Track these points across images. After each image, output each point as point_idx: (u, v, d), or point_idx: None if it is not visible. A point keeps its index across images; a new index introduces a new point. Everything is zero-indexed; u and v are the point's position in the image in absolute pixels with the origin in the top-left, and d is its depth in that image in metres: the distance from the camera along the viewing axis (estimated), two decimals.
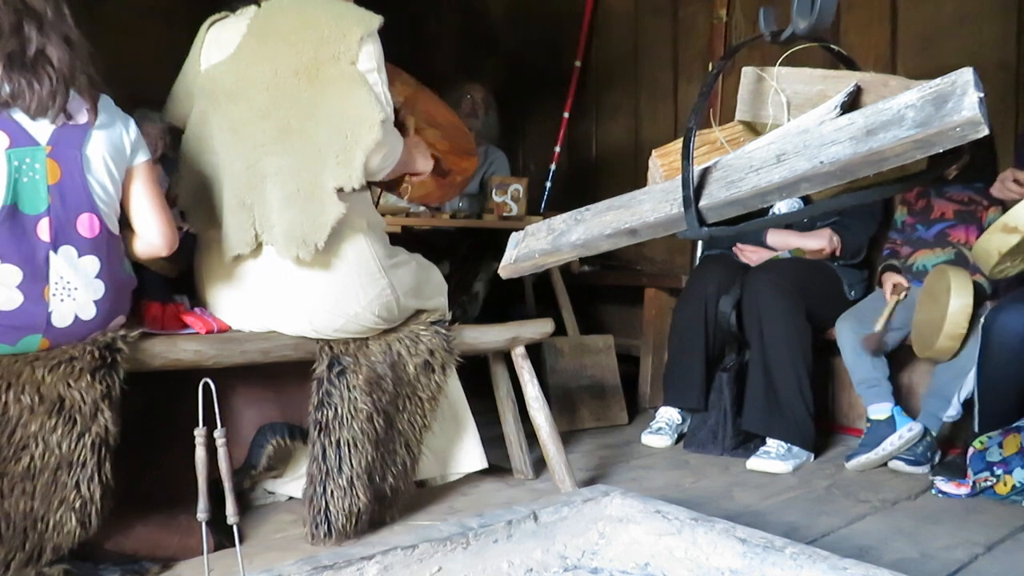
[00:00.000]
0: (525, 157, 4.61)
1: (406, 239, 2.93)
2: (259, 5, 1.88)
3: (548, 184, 4.20)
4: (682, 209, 1.02)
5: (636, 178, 3.84)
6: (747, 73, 1.17)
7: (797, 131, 0.98)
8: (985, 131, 0.82)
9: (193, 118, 1.89)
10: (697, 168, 1.04)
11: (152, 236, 1.68)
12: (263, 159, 1.78)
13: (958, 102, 0.83)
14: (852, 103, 1.04)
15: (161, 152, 2.01)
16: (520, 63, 4.61)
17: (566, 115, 4.22)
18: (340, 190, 1.74)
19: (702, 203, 1.03)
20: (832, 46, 1.19)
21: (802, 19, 1.04)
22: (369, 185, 2.00)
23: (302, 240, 1.73)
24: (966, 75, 0.85)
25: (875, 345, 2.49)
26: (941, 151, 0.86)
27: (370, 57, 1.80)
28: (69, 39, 1.50)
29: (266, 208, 1.78)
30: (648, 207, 1.08)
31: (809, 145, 0.95)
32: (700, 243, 3.34)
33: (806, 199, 2.56)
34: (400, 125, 2.09)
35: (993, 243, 1.87)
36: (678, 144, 1.13)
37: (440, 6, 4.88)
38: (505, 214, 3.09)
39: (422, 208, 3.07)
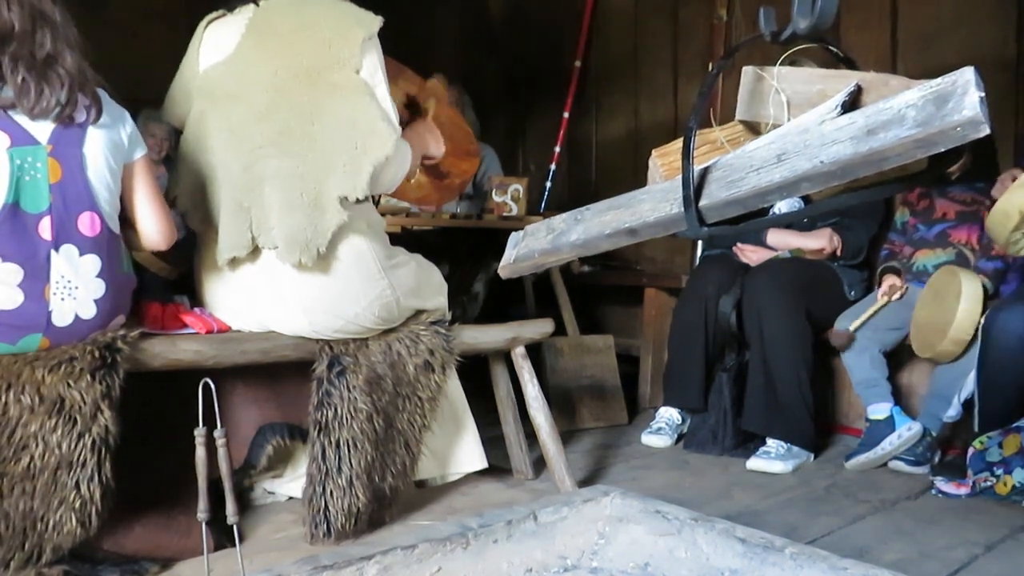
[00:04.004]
0: (525, 157, 4.62)
1: (406, 239, 2.93)
2: (257, 4, 1.87)
3: (548, 184, 4.20)
4: (682, 209, 1.02)
5: (636, 178, 3.84)
6: (747, 73, 1.16)
7: (798, 131, 0.98)
8: (986, 130, 0.81)
9: (191, 119, 1.89)
10: (697, 168, 1.04)
11: (149, 231, 1.69)
12: (261, 161, 1.77)
13: (959, 101, 0.83)
14: (852, 103, 1.04)
15: (166, 153, 2.01)
16: (520, 63, 4.61)
17: (566, 115, 4.23)
18: (344, 199, 1.74)
19: (702, 203, 1.03)
20: (832, 46, 1.19)
21: (803, 19, 1.03)
22: None
23: (305, 245, 1.73)
24: (967, 74, 0.84)
25: (844, 342, 2.50)
26: (942, 151, 0.85)
27: (374, 67, 1.80)
28: (75, 42, 1.51)
29: (264, 211, 1.77)
30: (648, 207, 1.08)
31: (810, 145, 0.95)
32: (700, 243, 3.34)
33: (806, 199, 2.56)
34: (416, 107, 2.09)
35: (1014, 201, 1.82)
36: (678, 144, 1.13)
37: (440, 6, 4.88)
38: (505, 214, 3.09)
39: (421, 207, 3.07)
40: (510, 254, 1.29)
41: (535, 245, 1.23)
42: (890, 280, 2.61)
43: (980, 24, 2.78)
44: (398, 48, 2.08)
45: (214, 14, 1.92)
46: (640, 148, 3.97)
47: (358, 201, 1.78)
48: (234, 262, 1.82)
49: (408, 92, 2.17)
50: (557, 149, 4.24)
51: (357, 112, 1.75)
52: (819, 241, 2.75)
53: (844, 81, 1.07)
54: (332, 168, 1.74)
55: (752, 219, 1.23)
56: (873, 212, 2.84)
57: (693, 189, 1.01)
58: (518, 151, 4.65)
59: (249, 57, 1.82)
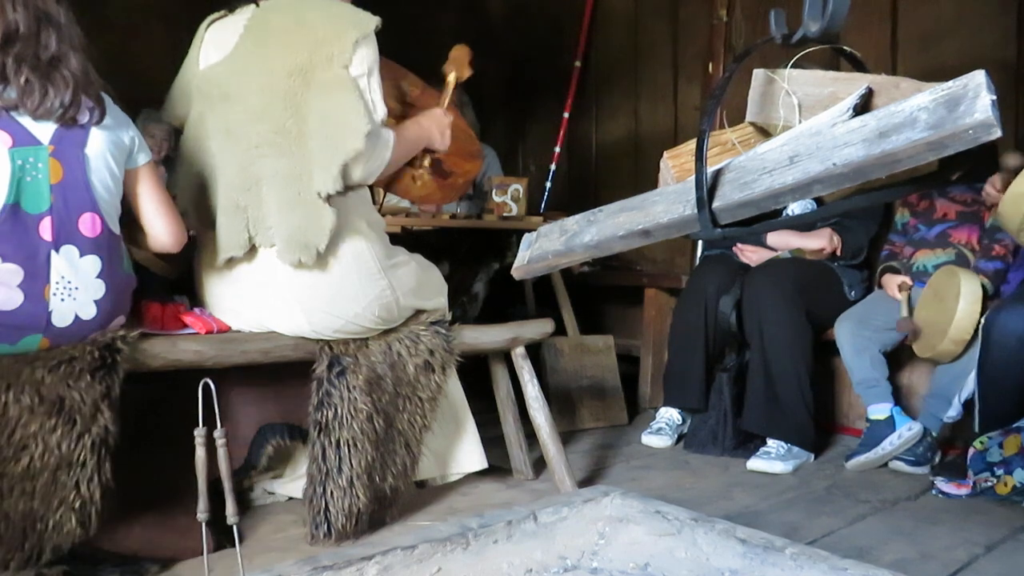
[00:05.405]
0: (525, 157, 4.61)
1: (406, 239, 2.92)
2: (257, 4, 1.87)
3: (548, 184, 4.20)
4: (695, 210, 1.02)
5: (636, 178, 3.85)
6: (757, 75, 1.16)
7: (810, 133, 0.98)
8: (998, 133, 0.82)
9: (191, 119, 1.89)
10: (710, 169, 1.04)
11: (161, 235, 1.71)
12: (257, 161, 1.77)
13: (971, 104, 0.83)
14: (864, 105, 1.04)
15: (166, 153, 2.01)
16: (520, 63, 4.60)
17: (566, 115, 4.23)
18: (322, 194, 1.73)
19: (715, 204, 1.03)
20: (844, 48, 1.19)
21: (814, 21, 1.04)
22: (371, 187, 2.00)
23: (304, 245, 1.72)
24: (978, 77, 0.85)
25: (910, 327, 2.44)
26: (952, 153, 0.86)
27: (363, 61, 1.78)
28: (79, 44, 1.51)
29: (262, 211, 1.76)
30: (661, 208, 1.08)
31: (822, 147, 0.95)
32: (700, 243, 3.34)
33: (819, 200, 2.56)
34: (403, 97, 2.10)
35: None
36: (689, 145, 1.13)
37: (440, 6, 4.88)
38: (505, 214, 3.09)
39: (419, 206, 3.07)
40: (523, 255, 1.29)
41: (548, 246, 1.23)
42: (897, 279, 2.60)
43: (980, 24, 2.78)
44: (398, 48, 2.07)
45: (215, 14, 1.92)
46: (640, 148, 3.97)
47: (330, 197, 1.74)
48: (233, 262, 1.82)
49: (410, 96, 2.17)
50: (557, 149, 4.23)
51: (335, 107, 1.74)
52: (819, 241, 2.75)
53: (855, 84, 1.07)
54: (315, 165, 1.74)
55: (765, 220, 1.23)
56: (873, 212, 2.84)
57: (706, 191, 1.01)
58: (518, 151, 4.65)
59: (247, 57, 1.82)
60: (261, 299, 1.83)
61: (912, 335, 2.45)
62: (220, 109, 1.82)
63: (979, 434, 2.23)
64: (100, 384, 1.52)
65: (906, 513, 2.09)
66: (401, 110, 2.13)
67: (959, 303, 2.28)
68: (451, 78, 2.16)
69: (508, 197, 3.08)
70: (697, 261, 3.32)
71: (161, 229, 1.70)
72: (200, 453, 1.45)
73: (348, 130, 1.72)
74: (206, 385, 1.43)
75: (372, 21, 1.80)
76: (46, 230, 1.46)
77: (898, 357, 2.68)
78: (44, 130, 1.47)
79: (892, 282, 2.61)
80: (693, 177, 1.04)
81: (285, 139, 1.76)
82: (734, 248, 2.92)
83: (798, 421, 2.54)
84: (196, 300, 1.95)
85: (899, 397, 2.61)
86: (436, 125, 2.06)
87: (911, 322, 2.45)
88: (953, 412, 2.43)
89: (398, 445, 1.94)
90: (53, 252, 1.47)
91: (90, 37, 1.55)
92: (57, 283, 1.48)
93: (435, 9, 4.78)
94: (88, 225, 1.50)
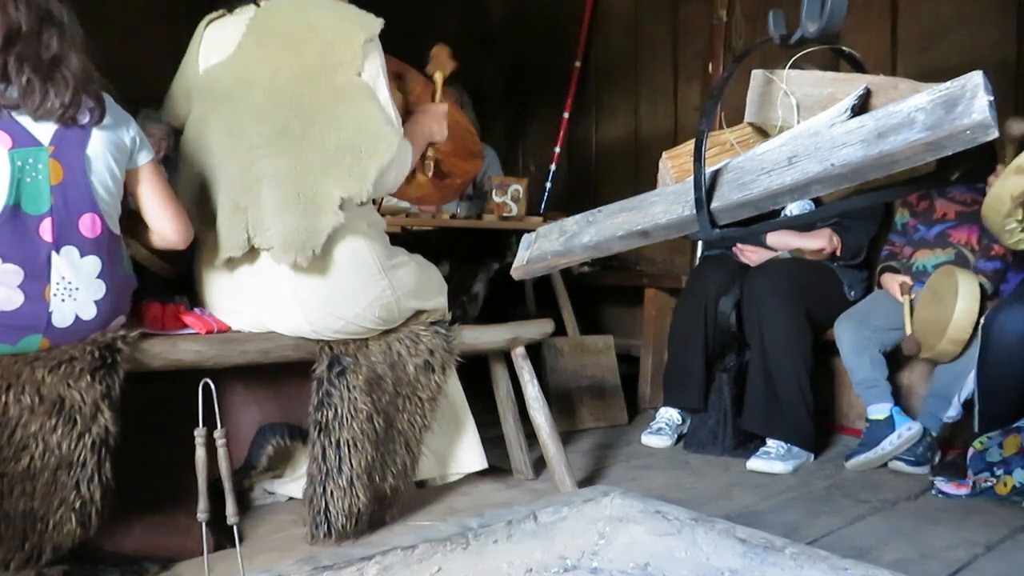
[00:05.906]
0: (525, 157, 4.62)
1: (406, 239, 2.93)
2: (258, 4, 1.87)
3: (548, 184, 4.20)
4: (694, 211, 1.02)
5: (636, 178, 3.86)
6: (756, 75, 1.17)
7: (808, 133, 0.98)
8: (995, 134, 0.82)
9: (192, 120, 1.89)
10: (708, 170, 1.04)
11: (167, 232, 1.71)
12: (258, 162, 1.76)
13: (968, 105, 0.83)
14: (862, 106, 1.04)
15: (164, 153, 2.02)
16: (520, 63, 4.61)
17: (566, 115, 4.23)
18: (346, 201, 1.74)
19: (714, 205, 1.03)
20: (843, 49, 1.19)
21: (812, 22, 1.04)
22: None
23: (300, 245, 1.72)
24: (976, 78, 0.85)
25: (915, 345, 2.44)
26: (951, 153, 0.86)
27: (376, 70, 1.81)
28: (80, 43, 1.51)
29: (261, 212, 1.76)
30: (660, 209, 1.08)
31: (820, 147, 0.95)
32: (700, 243, 3.34)
33: (817, 200, 2.57)
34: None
35: (1007, 188, 1.80)
36: (688, 146, 1.13)
37: (440, 7, 4.89)
38: (505, 214, 3.09)
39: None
40: (523, 255, 1.29)
41: (548, 247, 1.23)
42: (898, 279, 2.60)
43: (980, 24, 2.78)
44: (398, 49, 2.07)
45: (214, 14, 1.92)
46: (640, 148, 3.98)
47: (361, 204, 1.78)
48: (233, 263, 1.82)
49: (413, 93, 2.17)
50: (557, 149, 4.24)
51: (362, 115, 1.76)
52: (819, 241, 2.75)
53: (853, 84, 1.07)
54: (333, 170, 1.74)
55: (764, 220, 1.23)
56: (872, 212, 2.84)
57: (705, 191, 1.01)
58: (518, 151, 4.66)
59: (249, 58, 1.82)
60: (261, 299, 1.83)
61: (918, 351, 2.45)
62: (222, 109, 1.82)
63: (979, 434, 2.23)
64: (100, 384, 1.52)
65: (906, 513, 2.09)
66: (404, 105, 2.13)
67: (957, 303, 2.28)
68: (437, 76, 2.19)
69: (508, 197, 3.08)
70: (697, 261, 3.32)
71: (167, 226, 1.71)
72: (200, 453, 1.45)
73: (381, 139, 1.76)
74: (206, 385, 1.43)
75: (377, 23, 1.81)
76: (46, 231, 1.46)
77: (898, 357, 2.68)
78: (44, 131, 1.47)
79: (893, 282, 2.61)
80: (692, 177, 1.04)
81: (288, 140, 1.76)
82: (734, 248, 2.92)
83: (798, 421, 2.54)
84: (196, 300, 1.95)
85: (899, 397, 2.61)
86: (432, 119, 2.07)
87: (915, 341, 2.44)
88: (953, 412, 2.43)
89: (398, 445, 1.94)
90: (53, 253, 1.47)
91: (90, 37, 1.55)
92: (57, 283, 1.48)
93: (435, 9, 4.79)
94: (88, 226, 1.51)
